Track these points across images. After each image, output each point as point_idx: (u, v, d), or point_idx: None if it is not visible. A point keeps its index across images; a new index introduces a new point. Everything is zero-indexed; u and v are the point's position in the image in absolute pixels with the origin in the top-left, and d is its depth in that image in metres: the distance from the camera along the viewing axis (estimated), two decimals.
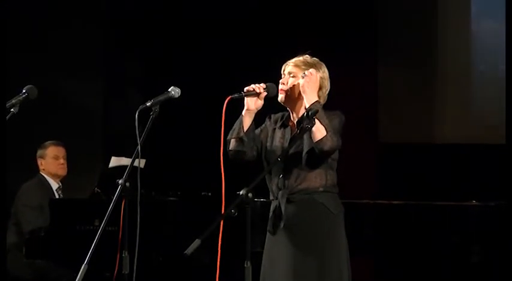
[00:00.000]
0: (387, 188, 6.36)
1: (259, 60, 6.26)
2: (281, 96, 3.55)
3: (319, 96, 3.54)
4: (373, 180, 6.59)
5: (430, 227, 4.99)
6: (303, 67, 3.54)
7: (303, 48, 3.64)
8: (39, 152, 5.80)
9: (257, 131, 3.60)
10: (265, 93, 3.50)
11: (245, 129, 3.51)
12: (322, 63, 3.60)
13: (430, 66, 6.69)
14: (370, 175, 6.61)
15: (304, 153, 3.48)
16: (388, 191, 6.25)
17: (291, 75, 3.56)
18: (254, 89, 3.48)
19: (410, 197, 5.19)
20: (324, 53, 3.66)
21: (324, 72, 3.58)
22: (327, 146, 3.39)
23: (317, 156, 3.45)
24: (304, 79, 3.47)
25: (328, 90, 3.59)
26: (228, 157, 3.48)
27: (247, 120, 3.52)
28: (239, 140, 3.51)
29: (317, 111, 3.50)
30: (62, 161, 5.77)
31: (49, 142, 5.84)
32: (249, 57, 6.78)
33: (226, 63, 6.91)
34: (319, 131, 3.38)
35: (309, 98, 3.43)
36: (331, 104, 3.64)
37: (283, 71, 3.59)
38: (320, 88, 3.55)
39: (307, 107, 3.43)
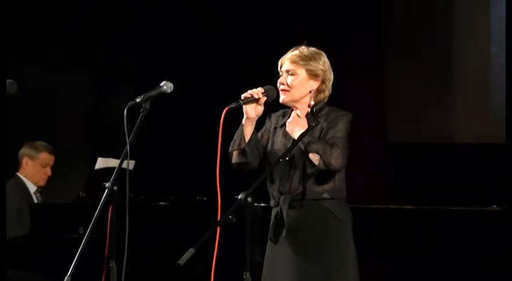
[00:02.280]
0: (398, 192, 6.35)
1: (259, 56, 6.25)
2: (282, 98, 3.55)
3: (323, 90, 3.55)
4: (383, 183, 6.57)
5: (445, 234, 4.97)
6: (300, 62, 3.54)
7: (307, 45, 3.62)
8: (28, 151, 5.70)
9: (258, 135, 3.59)
10: (265, 98, 3.50)
11: (247, 139, 3.51)
12: (320, 52, 3.59)
13: (444, 60, 6.67)
14: (380, 177, 6.59)
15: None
16: (399, 195, 6.24)
17: (289, 73, 3.55)
18: (252, 95, 3.48)
19: (423, 202, 5.17)
20: (329, 49, 3.64)
21: (325, 62, 3.57)
22: (332, 166, 3.41)
23: None
24: (288, 125, 3.48)
25: (332, 80, 3.58)
26: (224, 158, 3.46)
27: (248, 129, 3.52)
28: (241, 151, 3.52)
29: (323, 108, 3.51)
30: (48, 172, 5.71)
31: (42, 144, 5.74)
32: (248, 53, 6.79)
33: (224, 58, 6.91)
34: (314, 158, 3.41)
35: (295, 135, 3.44)
36: (337, 102, 3.61)
37: (280, 67, 3.59)
38: (323, 81, 3.54)
39: (297, 134, 3.41)
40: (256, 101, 3.48)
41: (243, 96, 3.47)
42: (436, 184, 6.23)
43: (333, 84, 3.61)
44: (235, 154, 3.54)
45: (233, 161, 3.54)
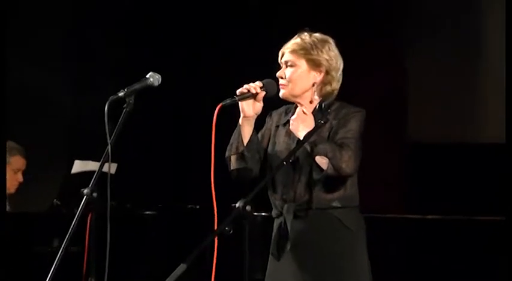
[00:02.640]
0: (420, 199, 6.35)
1: (257, 47, 6.27)
2: (282, 92, 3.56)
3: (329, 82, 3.55)
4: (403, 189, 6.58)
5: (474, 248, 4.98)
6: (300, 52, 3.54)
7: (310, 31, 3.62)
8: None
9: (258, 136, 3.60)
10: (264, 93, 3.50)
11: (245, 141, 3.52)
12: (326, 38, 3.58)
13: (471, 50, 6.67)
14: (398, 182, 6.60)
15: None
16: (421, 202, 6.24)
17: (289, 64, 3.56)
18: (249, 90, 3.47)
19: (449, 211, 5.17)
20: (340, 37, 3.64)
21: (330, 50, 3.57)
22: (343, 170, 3.40)
23: None
24: (292, 122, 3.48)
25: (341, 69, 3.58)
26: (219, 162, 3.46)
27: (246, 129, 3.52)
28: (240, 156, 3.52)
29: (332, 104, 3.52)
30: (20, 178, 5.70)
31: (14, 146, 5.71)
32: (244, 43, 6.79)
33: (219, 50, 6.92)
34: (322, 162, 3.40)
35: (300, 134, 3.43)
36: (350, 97, 3.61)
37: (280, 59, 3.60)
38: (328, 72, 3.54)
39: (301, 136, 3.41)
40: (254, 96, 3.48)
41: (238, 91, 3.46)
42: (464, 189, 6.22)
43: (346, 77, 3.61)
44: (233, 159, 3.53)
45: (231, 168, 3.54)
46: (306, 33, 3.58)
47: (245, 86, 3.48)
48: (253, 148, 3.53)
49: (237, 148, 3.52)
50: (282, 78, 3.55)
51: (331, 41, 3.58)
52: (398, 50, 6.83)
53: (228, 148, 3.55)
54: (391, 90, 6.77)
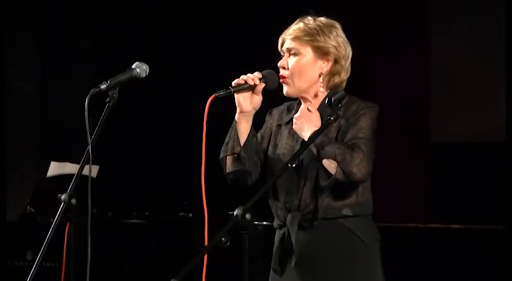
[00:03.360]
0: (443, 207, 6.36)
1: (255, 33, 6.27)
2: (285, 89, 3.56)
3: (338, 72, 3.56)
4: (424, 195, 6.58)
5: (505, 260, 5.00)
6: (305, 38, 3.54)
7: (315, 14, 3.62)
8: None
9: (258, 136, 3.61)
10: (263, 85, 3.50)
11: (242, 140, 3.52)
12: (332, 23, 3.58)
13: (501, 39, 6.69)
14: (420, 187, 6.61)
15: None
16: (445, 210, 6.25)
17: (292, 52, 3.56)
18: (246, 81, 3.47)
19: (475, 220, 5.18)
20: (355, 27, 3.65)
21: (338, 36, 3.57)
22: (354, 176, 3.39)
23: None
24: (295, 121, 3.48)
25: (350, 57, 3.58)
26: (213, 162, 3.47)
27: (243, 127, 3.52)
28: (236, 157, 3.51)
29: (343, 97, 3.50)
30: None
31: None
32: (241, 29, 6.80)
33: (212, 37, 6.92)
34: (330, 166, 3.39)
35: (305, 134, 3.43)
36: (363, 92, 3.62)
37: (281, 47, 3.60)
38: (336, 61, 3.55)
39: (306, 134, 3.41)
40: (252, 89, 3.48)
41: (234, 82, 3.46)
42: (491, 195, 6.23)
43: (360, 70, 3.62)
44: (228, 160, 3.53)
45: (227, 171, 3.54)
46: (309, 18, 3.57)
47: (242, 76, 3.48)
48: (252, 148, 3.53)
49: (233, 148, 3.51)
50: (284, 68, 3.56)
51: (337, 25, 3.58)
52: (422, 35, 6.86)
53: (223, 148, 3.55)
54: (414, 84, 6.79)
